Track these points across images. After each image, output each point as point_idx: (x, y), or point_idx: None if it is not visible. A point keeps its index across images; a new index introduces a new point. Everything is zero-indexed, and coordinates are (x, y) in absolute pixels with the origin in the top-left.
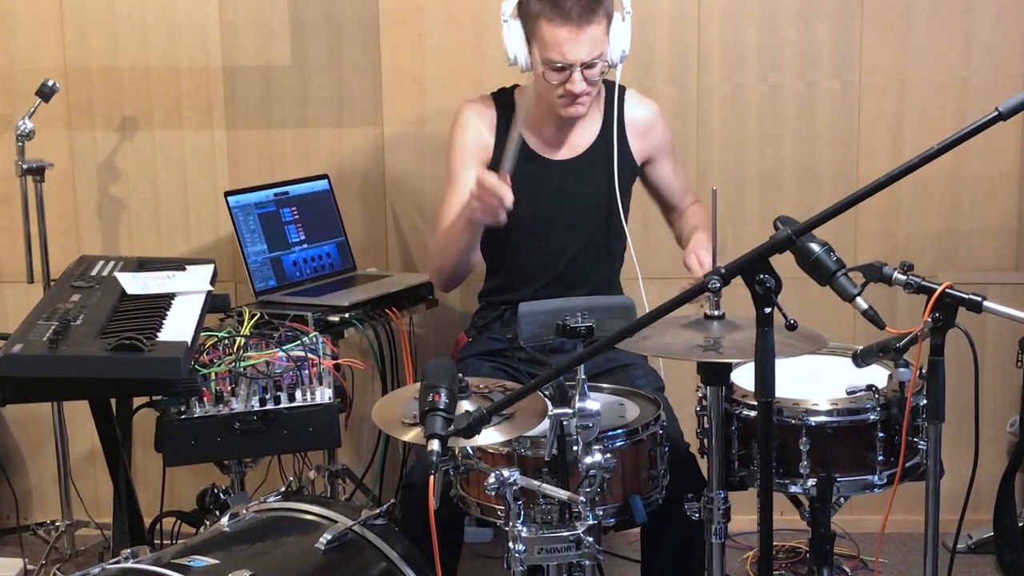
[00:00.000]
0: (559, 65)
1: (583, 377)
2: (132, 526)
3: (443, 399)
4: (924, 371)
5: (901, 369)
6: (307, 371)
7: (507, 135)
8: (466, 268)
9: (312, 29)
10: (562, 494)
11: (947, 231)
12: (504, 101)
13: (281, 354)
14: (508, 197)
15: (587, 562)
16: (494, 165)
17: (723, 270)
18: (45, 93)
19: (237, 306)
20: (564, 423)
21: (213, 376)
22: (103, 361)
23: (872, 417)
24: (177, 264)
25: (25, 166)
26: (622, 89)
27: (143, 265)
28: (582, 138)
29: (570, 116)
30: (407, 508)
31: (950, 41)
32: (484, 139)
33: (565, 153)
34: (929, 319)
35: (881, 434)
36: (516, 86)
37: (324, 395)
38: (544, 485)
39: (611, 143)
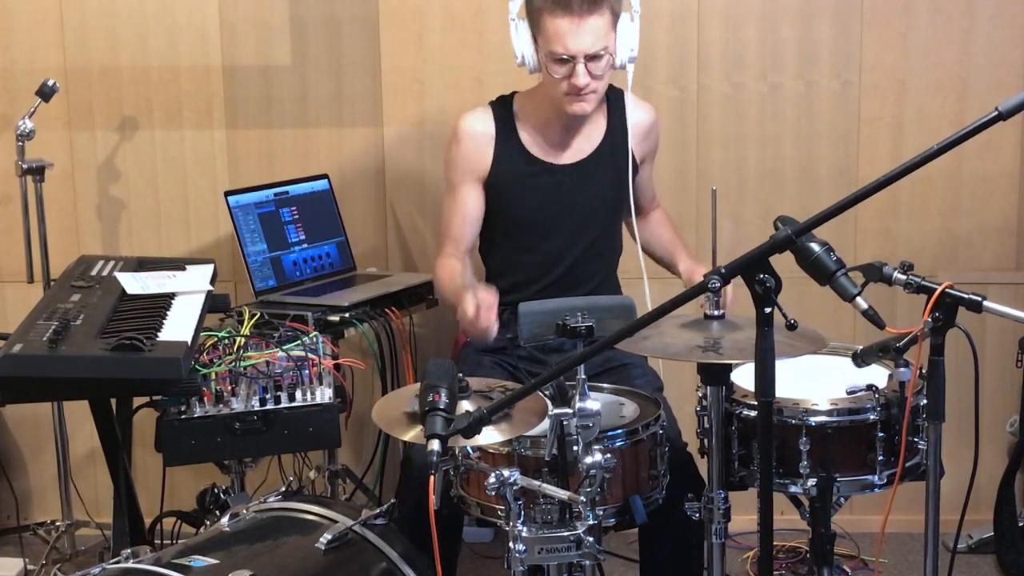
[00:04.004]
0: (562, 57)
1: (583, 377)
2: (132, 526)
3: (443, 399)
4: (924, 371)
5: (901, 369)
6: (307, 371)
7: (507, 145)
8: None
9: (312, 29)
10: (562, 494)
11: (947, 231)
12: (503, 110)
13: (281, 354)
14: (493, 330)
15: (587, 562)
16: (492, 179)
17: (723, 270)
18: (45, 93)
19: (237, 306)
20: (564, 423)
21: (213, 376)
22: (103, 361)
23: (872, 417)
24: (177, 264)
25: (25, 166)
26: (619, 92)
27: (143, 265)
28: (587, 142)
29: (575, 113)
30: (405, 503)
31: (950, 40)
32: (482, 153)
33: (570, 157)
34: (929, 319)
35: (881, 434)
36: (515, 93)
37: (324, 395)
38: (544, 485)
39: (621, 146)
